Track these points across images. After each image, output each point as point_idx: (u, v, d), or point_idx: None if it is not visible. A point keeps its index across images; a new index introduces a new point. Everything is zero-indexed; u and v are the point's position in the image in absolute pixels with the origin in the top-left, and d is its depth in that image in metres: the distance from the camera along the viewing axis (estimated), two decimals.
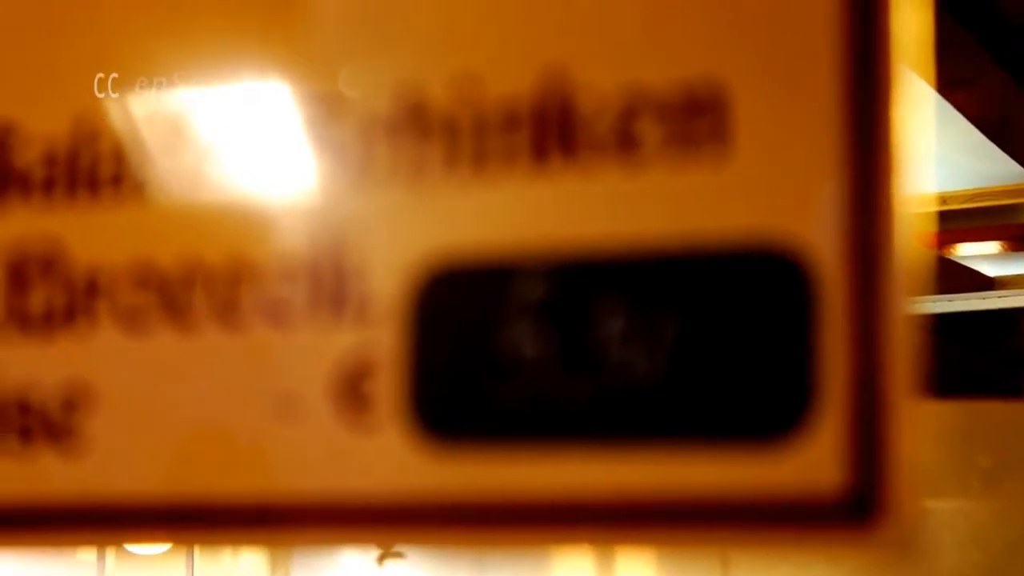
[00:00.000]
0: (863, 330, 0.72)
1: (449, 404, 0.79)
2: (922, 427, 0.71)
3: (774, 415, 0.73)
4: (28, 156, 0.89)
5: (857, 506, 0.71)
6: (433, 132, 0.81)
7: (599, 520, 0.75)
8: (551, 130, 0.79)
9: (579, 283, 0.77)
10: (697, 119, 0.76)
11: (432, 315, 0.79)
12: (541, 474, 0.76)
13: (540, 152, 0.79)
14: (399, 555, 2.84)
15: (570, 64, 0.79)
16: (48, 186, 0.88)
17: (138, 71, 0.87)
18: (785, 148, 0.75)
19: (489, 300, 0.78)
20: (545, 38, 0.80)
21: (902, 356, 0.71)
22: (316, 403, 0.81)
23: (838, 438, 0.72)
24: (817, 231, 0.73)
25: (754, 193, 0.75)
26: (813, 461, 0.72)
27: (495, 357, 0.78)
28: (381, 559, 2.81)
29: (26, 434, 0.86)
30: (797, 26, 0.76)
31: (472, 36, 0.81)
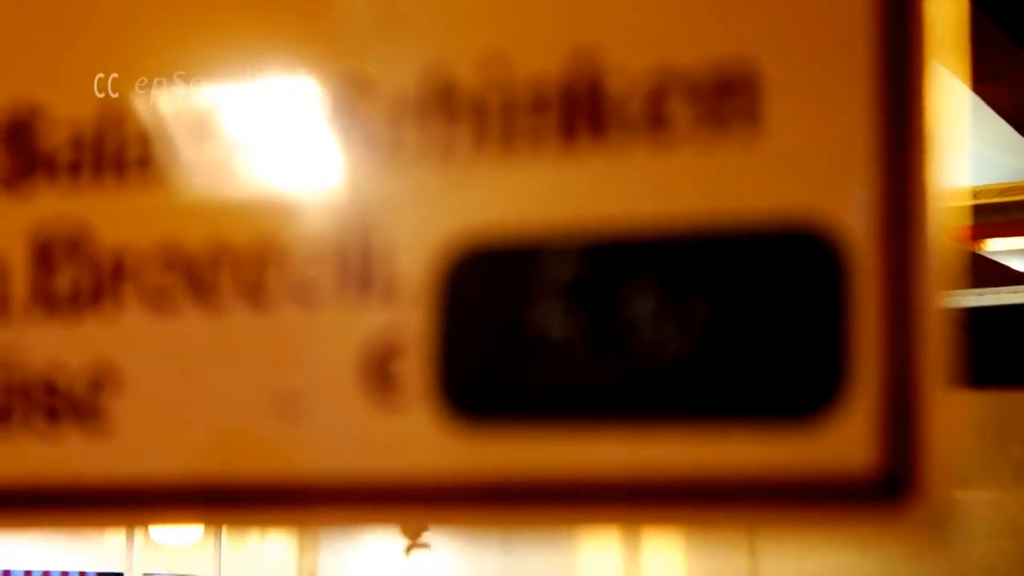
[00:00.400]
0: (896, 310, 0.71)
1: (477, 384, 0.78)
2: (954, 409, 0.70)
3: (806, 394, 0.72)
4: (55, 139, 0.88)
5: (888, 486, 0.70)
6: (462, 113, 0.80)
7: (628, 499, 0.74)
8: (580, 110, 0.78)
9: (609, 263, 0.76)
10: (729, 99, 0.76)
11: (460, 295, 0.79)
12: (570, 453, 0.76)
13: (569, 133, 0.78)
14: (426, 546, 2.83)
15: (600, 45, 0.78)
16: (74, 169, 0.88)
17: (165, 59, 0.87)
18: (817, 128, 0.74)
19: (518, 280, 0.78)
20: (575, 18, 0.79)
21: (935, 337, 0.70)
22: (344, 383, 0.80)
23: (870, 418, 0.71)
24: (849, 211, 0.73)
25: (786, 173, 0.74)
26: (844, 441, 0.71)
27: (524, 337, 0.77)
28: (408, 550, 2.81)
29: (53, 415, 0.86)
30: (830, 7, 0.75)
31: (501, 16, 0.81)
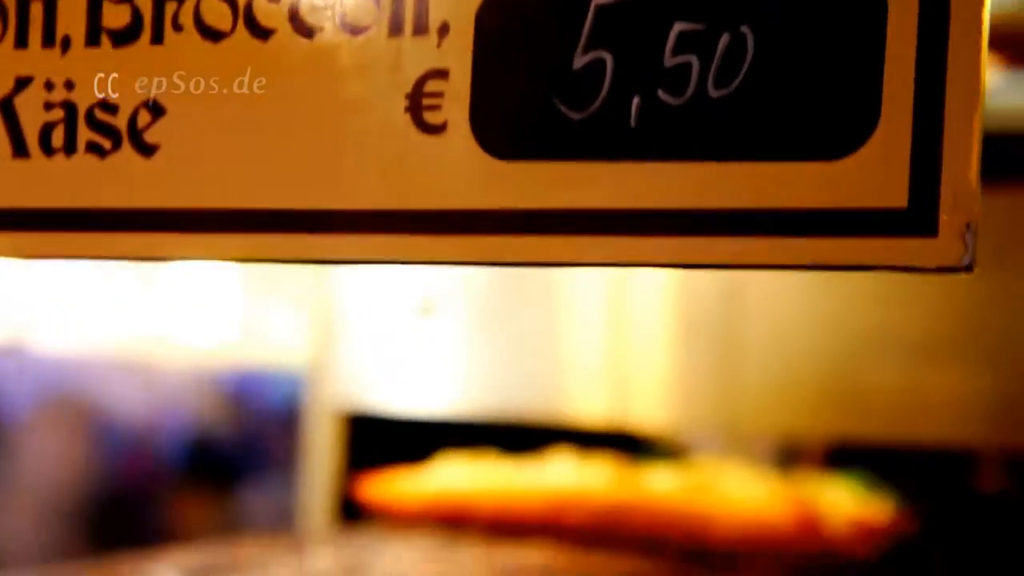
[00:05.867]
0: (927, 46, 0.73)
1: (517, 117, 0.80)
2: (980, 149, 0.72)
3: (836, 132, 0.74)
4: None
5: (913, 218, 0.73)
6: None
7: (673, 230, 0.77)
8: None
9: (648, 4, 0.78)
10: None
11: (502, 29, 0.81)
12: (611, 187, 0.78)
13: None
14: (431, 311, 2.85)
15: None
16: None
17: None
18: None
19: (559, 17, 0.79)
20: None
21: (965, 72, 0.72)
22: (387, 111, 0.82)
23: (898, 154, 0.73)
24: None
25: None
26: (873, 175, 0.73)
27: (564, 72, 0.79)
28: (422, 312, 2.83)
29: (108, 139, 0.88)
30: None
31: None
